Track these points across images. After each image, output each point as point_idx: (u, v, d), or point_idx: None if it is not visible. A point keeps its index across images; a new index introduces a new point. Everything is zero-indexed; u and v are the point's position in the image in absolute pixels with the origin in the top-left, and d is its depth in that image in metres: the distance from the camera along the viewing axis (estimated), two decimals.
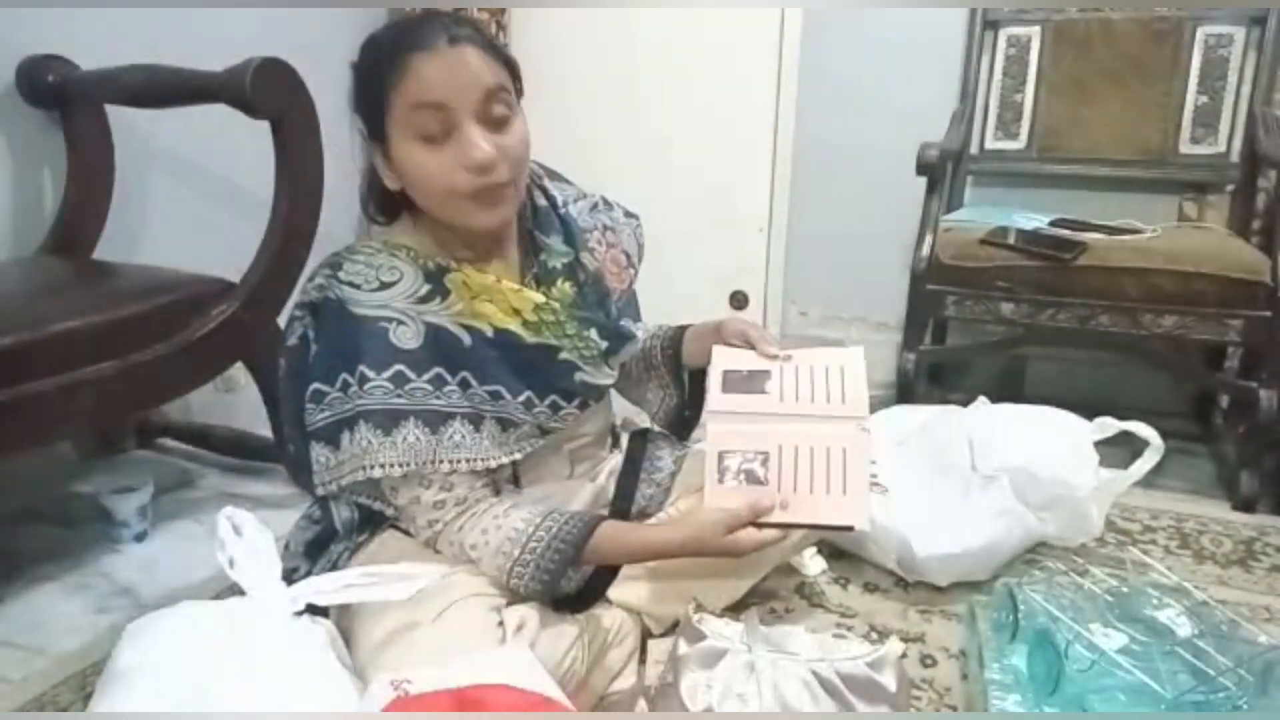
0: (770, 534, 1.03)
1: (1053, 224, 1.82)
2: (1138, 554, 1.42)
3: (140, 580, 1.42)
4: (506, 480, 1.11)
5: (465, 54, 0.95)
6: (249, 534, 0.92)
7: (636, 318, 1.21)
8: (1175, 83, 1.96)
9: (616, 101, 2.41)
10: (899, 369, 1.82)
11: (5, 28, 1.53)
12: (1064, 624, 1.02)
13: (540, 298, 1.06)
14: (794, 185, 2.34)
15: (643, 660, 1.15)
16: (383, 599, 0.93)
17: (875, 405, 1.15)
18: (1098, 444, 1.44)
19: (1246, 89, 1.92)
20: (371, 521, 1.09)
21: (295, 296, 1.06)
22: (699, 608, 1.02)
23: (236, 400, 1.80)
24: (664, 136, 2.39)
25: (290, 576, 0.99)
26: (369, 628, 0.98)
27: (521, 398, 1.04)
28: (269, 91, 1.39)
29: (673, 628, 1.13)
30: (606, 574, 1.14)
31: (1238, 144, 1.94)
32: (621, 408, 1.35)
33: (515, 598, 1.04)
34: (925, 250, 1.77)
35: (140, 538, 1.53)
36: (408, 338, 0.98)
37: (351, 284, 0.99)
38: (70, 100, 1.58)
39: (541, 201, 1.14)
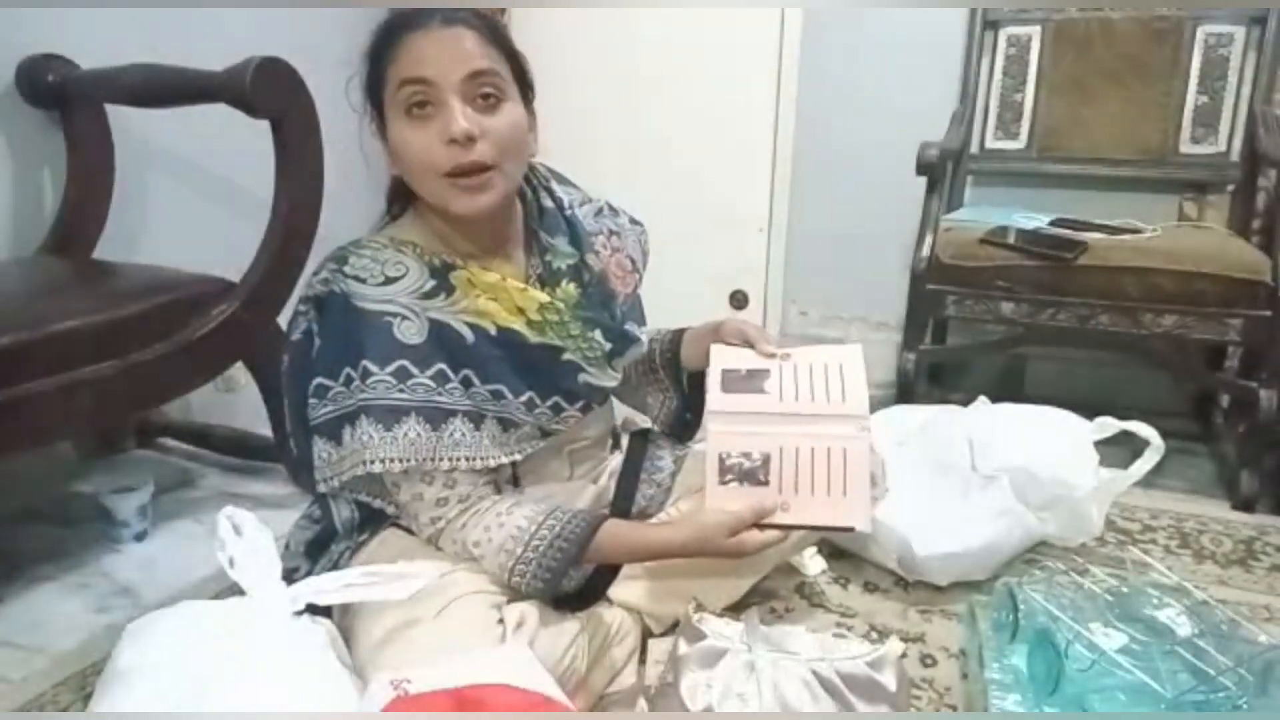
0: (772, 534, 1.03)
1: (1053, 224, 1.82)
2: (1138, 554, 1.42)
3: (140, 580, 1.41)
4: (507, 481, 1.11)
5: (457, 34, 0.97)
6: (249, 534, 0.92)
7: (641, 323, 1.20)
8: (1175, 82, 1.96)
9: (616, 101, 2.41)
10: (899, 369, 1.82)
11: (5, 28, 1.53)
12: (1064, 624, 1.02)
13: (545, 297, 1.06)
14: (794, 185, 2.34)
15: (643, 660, 1.15)
16: (383, 598, 0.93)
17: (875, 405, 1.15)
18: (1098, 444, 1.44)
19: (1246, 89, 1.92)
20: (372, 521, 1.09)
21: (299, 291, 1.06)
22: (699, 608, 1.02)
23: (236, 400, 1.80)
24: (664, 136, 2.39)
25: (290, 576, 1.00)
26: (369, 626, 0.98)
27: (523, 398, 1.04)
28: (269, 91, 1.39)
29: (673, 627, 1.13)
30: (607, 573, 1.14)
31: (1238, 144, 1.94)
32: (621, 408, 1.35)
33: (516, 595, 1.04)
34: (925, 250, 1.77)
35: (140, 538, 1.53)
36: (411, 333, 0.98)
37: (357, 278, 0.99)
38: (70, 100, 1.58)
39: (548, 203, 1.14)
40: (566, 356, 1.07)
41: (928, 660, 1.20)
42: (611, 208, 1.22)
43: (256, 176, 1.53)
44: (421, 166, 0.98)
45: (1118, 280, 1.64)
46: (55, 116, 1.60)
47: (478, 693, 0.80)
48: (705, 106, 2.34)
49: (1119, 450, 1.47)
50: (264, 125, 1.43)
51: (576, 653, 1.04)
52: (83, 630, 1.28)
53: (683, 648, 0.98)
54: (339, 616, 1.03)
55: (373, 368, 0.96)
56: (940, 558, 1.31)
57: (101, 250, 1.63)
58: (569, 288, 1.10)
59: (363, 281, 0.98)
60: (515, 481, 1.12)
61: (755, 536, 1.02)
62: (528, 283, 1.08)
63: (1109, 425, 1.45)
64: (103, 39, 1.63)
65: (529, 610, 1.00)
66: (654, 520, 1.19)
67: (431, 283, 1.01)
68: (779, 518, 1.03)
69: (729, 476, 1.04)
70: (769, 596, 1.32)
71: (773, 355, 1.10)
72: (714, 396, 1.08)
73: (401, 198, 1.09)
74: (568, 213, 1.14)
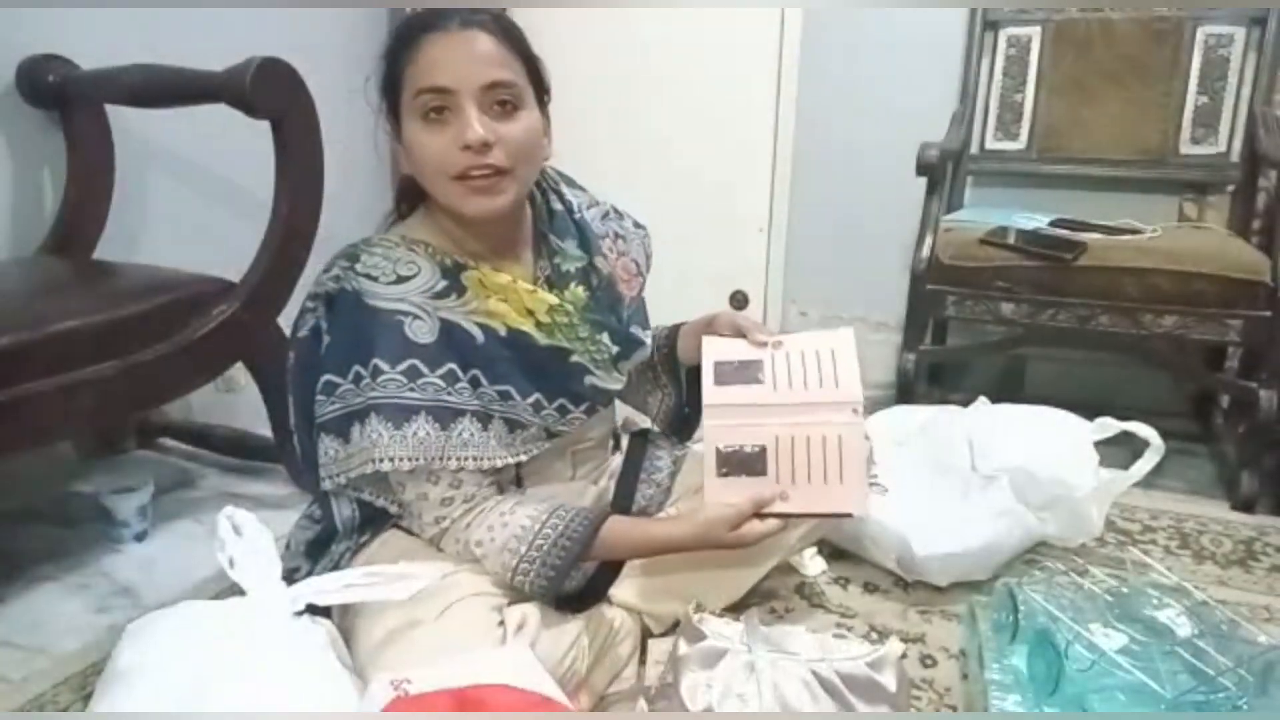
0: (773, 524, 1.04)
1: (1053, 224, 1.82)
2: (1138, 554, 1.42)
3: (140, 580, 1.41)
4: (510, 481, 1.11)
5: (475, 37, 0.97)
6: (249, 534, 0.92)
7: (646, 326, 1.21)
8: (1175, 83, 1.95)
9: (616, 101, 2.41)
10: (899, 369, 1.82)
11: (5, 28, 1.53)
12: (1064, 624, 1.02)
13: (554, 299, 1.06)
14: (794, 185, 2.34)
15: (643, 660, 1.15)
16: (383, 599, 0.93)
17: (875, 405, 1.15)
18: (1098, 444, 1.44)
19: (1246, 89, 1.92)
20: (373, 521, 1.09)
21: (309, 288, 1.06)
22: (699, 608, 1.02)
23: (236, 400, 1.80)
24: (664, 136, 2.39)
25: (291, 576, 1.00)
26: (369, 627, 0.98)
27: (530, 399, 1.04)
28: (269, 91, 1.39)
29: (673, 627, 1.13)
30: (608, 573, 1.14)
31: (1238, 144, 1.94)
32: (622, 408, 1.35)
33: (517, 597, 1.04)
34: (925, 250, 1.77)
35: (140, 538, 1.53)
36: (423, 332, 0.98)
37: (369, 276, 0.99)
38: (70, 100, 1.58)
39: (558, 206, 1.14)
40: (574, 359, 1.07)
41: (928, 661, 1.20)
42: (617, 211, 1.22)
43: (256, 176, 1.53)
44: (435, 171, 0.98)
45: (1118, 281, 1.64)
46: (55, 116, 1.60)
47: (478, 693, 0.80)
48: (705, 106, 2.34)
49: (1119, 450, 1.47)
50: (264, 125, 1.43)
51: (578, 653, 1.04)
52: (83, 630, 1.28)
53: (683, 648, 0.98)
54: (339, 617, 1.03)
55: (384, 366, 0.96)
56: (940, 558, 1.31)
57: (101, 250, 1.63)
58: (577, 290, 1.10)
59: (375, 279, 0.98)
60: (518, 482, 1.12)
61: (756, 527, 1.03)
62: (536, 285, 1.08)
63: (1109, 425, 1.45)
64: (103, 39, 1.63)
65: (530, 612, 1.00)
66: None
67: (443, 283, 1.01)
68: (778, 507, 1.04)
69: (726, 468, 1.05)
70: (769, 597, 1.32)
71: (764, 344, 1.10)
72: (709, 390, 1.08)
73: (411, 196, 1.10)
74: (577, 216, 1.14)
